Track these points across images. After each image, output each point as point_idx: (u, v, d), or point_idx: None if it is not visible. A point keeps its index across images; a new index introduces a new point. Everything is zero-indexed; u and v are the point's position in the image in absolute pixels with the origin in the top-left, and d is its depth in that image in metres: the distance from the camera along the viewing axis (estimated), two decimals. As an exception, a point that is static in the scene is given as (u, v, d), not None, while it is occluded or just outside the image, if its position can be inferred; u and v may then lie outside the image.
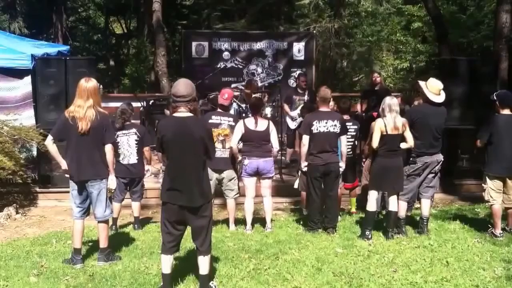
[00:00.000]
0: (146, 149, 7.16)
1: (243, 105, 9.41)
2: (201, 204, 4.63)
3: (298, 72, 12.62)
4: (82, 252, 5.77)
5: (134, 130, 7.12)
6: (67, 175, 5.62)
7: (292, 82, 13.16)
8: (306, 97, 10.17)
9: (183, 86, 4.62)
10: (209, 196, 4.79)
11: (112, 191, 5.95)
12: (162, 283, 4.80)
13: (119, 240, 6.45)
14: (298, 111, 9.95)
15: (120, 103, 7.62)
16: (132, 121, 7.40)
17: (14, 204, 8.27)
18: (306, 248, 6.20)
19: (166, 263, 4.71)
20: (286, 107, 10.19)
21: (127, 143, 7.06)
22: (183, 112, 4.60)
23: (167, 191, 4.63)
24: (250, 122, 6.95)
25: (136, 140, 7.07)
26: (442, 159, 6.83)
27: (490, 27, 17.69)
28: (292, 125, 10.10)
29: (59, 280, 5.17)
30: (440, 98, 6.76)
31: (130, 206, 7.39)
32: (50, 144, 5.51)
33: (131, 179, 7.17)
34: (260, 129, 6.90)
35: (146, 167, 7.28)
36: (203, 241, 4.67)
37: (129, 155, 7.06)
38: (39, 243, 6.55)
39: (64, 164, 5.56)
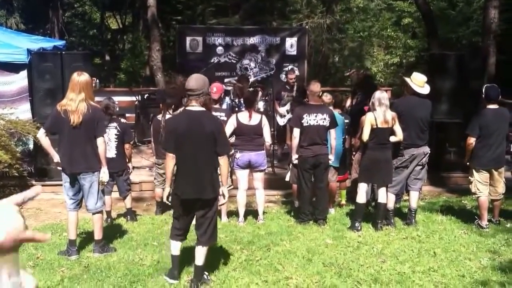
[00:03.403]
0: (126, 146, 7.11)
1: (236, 100, 9.48)
2: (212, 197, 4.75)
3: (289, 67, 12.66)
4: (77, 244, 5.83)
5: (115, 124, 7.03)
6: (59, 168, 5.65)
7: (283, 77, 13.11)
8: (294, 93, 10.22)
9: (194, 80, 4.72)
10: (218, 189, 4.86)
11: (105, 183, 6.01)
12: (171, 264, 4.96)
13: (114, 232, 6.53)
14: (287, 107, 10.01)
15: (116, 97, 7.63)
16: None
17: (10, 197, 8.32)
18: (297, 239, 6.29)
19: (175, 246, 4.91)
20: (276, 104, 10.15)
21: (107, 136, 6.96)
22: (195, 106, 4.70)
23: (180, 184, 4.74)
24: (243, 116, 7.02)
25: (116, 135, 7.00)
26: (429, 151, 6.93)
27: (479, 23, 17.71)
28: (281, 121, 10.12)
29: (55, 271, 5.24)
30: (425, 90, 6.90)
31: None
32: (42, 137, 5.55)
33: (110, 173, 7.14)
34: (253, 123, 6.96)
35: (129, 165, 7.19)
36: (204, 231, 4.79)
37: (108, 149, 7.02)
38: (35, 235, 6.61)
39: (56, 157, 5.59)
